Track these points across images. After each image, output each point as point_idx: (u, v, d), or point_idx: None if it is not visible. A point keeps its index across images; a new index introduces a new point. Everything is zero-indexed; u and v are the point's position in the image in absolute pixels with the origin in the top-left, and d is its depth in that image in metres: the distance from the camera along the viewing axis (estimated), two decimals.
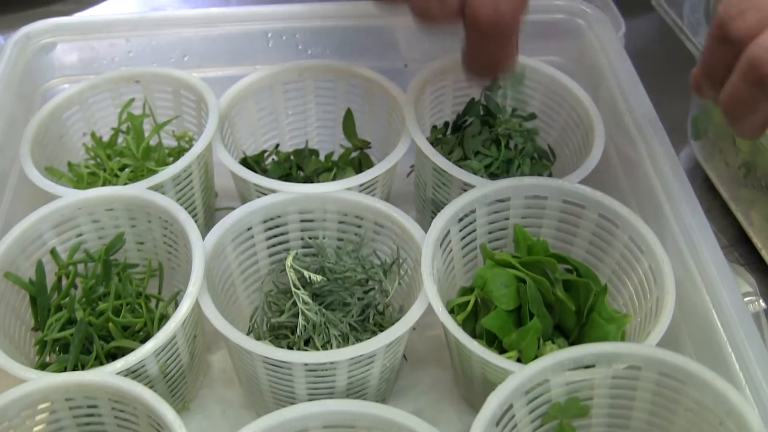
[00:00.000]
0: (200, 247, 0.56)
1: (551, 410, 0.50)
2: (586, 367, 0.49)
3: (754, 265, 0.71)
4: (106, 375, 0.50)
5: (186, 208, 0.59)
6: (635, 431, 0.52)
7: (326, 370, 0.52)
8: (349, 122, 0.71)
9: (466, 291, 0.58)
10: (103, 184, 0.67)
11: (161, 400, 0.48)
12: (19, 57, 0.70)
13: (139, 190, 0.60)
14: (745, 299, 0.58)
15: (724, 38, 0.51)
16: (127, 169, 0.66)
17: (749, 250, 0.72)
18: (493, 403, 0.47)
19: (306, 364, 0.52)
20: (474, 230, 0.60)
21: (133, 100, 0.70)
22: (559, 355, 0.49)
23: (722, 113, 0.52)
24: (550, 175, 0.71)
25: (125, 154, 0.68)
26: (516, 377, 0.48)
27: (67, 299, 0.58)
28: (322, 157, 0.72)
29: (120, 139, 0.70)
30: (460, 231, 0.59)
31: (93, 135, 0.70)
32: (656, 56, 0.88)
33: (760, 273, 0.69)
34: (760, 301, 0.63)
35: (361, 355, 0.52)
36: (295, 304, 0.59)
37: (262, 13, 0.73)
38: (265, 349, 0.52)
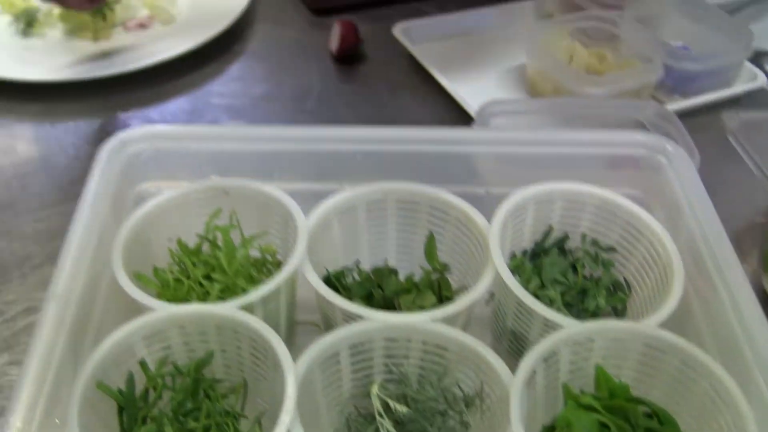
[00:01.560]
0: (292, 375, 0.58)
1: None
2: None
3: None
4: None
5: (270, 323, 0.62)
6: None
7: None
8: (431, 246, 0.74)
9: (548, 430, 0.60)
10: (188, 292, 0.69)
11: None
12: (114, 162, 0.74)
13: (230, 310, 0.63)
14: None
15: None
16: (217, 286, 0.68)
17: None
18: None
19: None
20: (558, 370, 0.62)
21: (220, 210, 0.73)
22: None
23: None
24: (624, 308, 0.73)
25: (210, 262, 0.71)
26: None
27: (156, 412, 0.61)
28: (401, 277, 0.74)
29: (205, 247, 0.73)
30: (545, 371, 0.62)
31: (179, 241, 0.73)
32: (727, 185, 0.90)
33: None
34: None
35: None
36: (377, 430, 0.61)
37: (352, 135, 0.76)
38: None
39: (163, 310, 0.63)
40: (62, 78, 1.07)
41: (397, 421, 0.61)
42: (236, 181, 0.74)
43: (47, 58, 1.12)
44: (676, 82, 1.03)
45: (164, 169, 0.77)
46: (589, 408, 0.59)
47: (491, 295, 0.72)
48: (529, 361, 0.59)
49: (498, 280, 0.67)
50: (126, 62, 1.09)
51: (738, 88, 1.04)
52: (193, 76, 1.11)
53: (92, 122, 1.03)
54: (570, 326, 0.62)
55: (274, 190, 0.72)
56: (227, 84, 1.09)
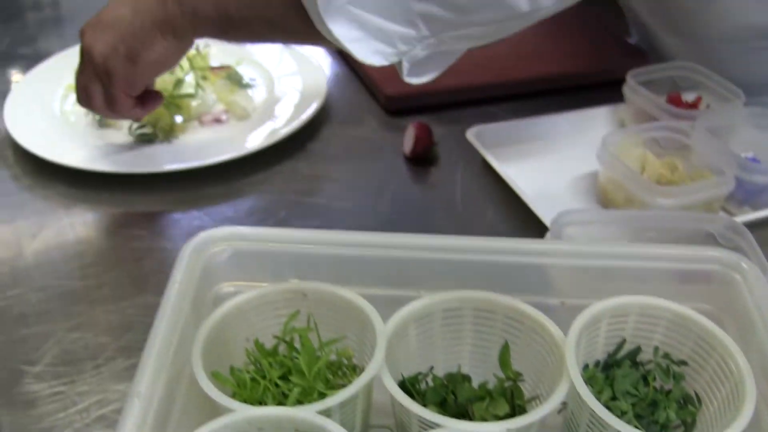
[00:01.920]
0: None
1: None
2: None
3: None
4: None
5: (346, 427, 0.63)
6: None
7: None
8: (505, 355, 0.75)
9: None
10: (264, 392, 0.71)
11: None
12: (195, 262, 0.76)
13: (309, 414, 0.64)
14: None
15: None
16: (296, 389, 0.70)
17: None
18: None
19: None
20: None
21: (298, 312, 0.75)
22: None
23: None
24: (694, 422, 0.74)
25: (286, 364, 0.73)
26: None
27: None
28: (474, 384, 0.76)
29: (282, 348, 0.75)
30: None
31: (256, 342, 0.75)
32: None
33: None
34: None
35: None
36: None
37: (430, 243, 0.78)
38: None
39: (242, 412, 0.65)
40: (137, 170, 1.11)
41: None
42: (314, 284, 0.76)
43: (122, 150, 1.16)
44: (746, 194, 1.04)
45: (244, 270, 0.79)
46: None
47: (564, 405, 0.73)
48: None
49: (572, 390, 0.69)
50: (200, 157, 1.13)
51: None
52: (267, 173, 1.14)
53: (166, 215, 1.07)
54: None
55: (352, 294, 0.74)
56: (300, 182, 1.12)
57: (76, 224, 1.05)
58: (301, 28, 0.82)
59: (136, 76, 0.98)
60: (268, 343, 0.75)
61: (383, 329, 0.71)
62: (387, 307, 0.74)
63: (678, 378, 0.75)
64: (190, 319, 0.73)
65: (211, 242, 0.78)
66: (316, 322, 0.75)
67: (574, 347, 0.70)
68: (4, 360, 0.87)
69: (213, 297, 0.79)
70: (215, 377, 0.70)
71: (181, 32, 0.95)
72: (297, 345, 0.75)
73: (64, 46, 1.38)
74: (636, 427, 0.66)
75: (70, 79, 1.23)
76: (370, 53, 0.82)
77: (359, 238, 0.78)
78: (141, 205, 1.09)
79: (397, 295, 0.76)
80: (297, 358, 0.73)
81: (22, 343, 0.89)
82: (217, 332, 0.73)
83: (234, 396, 0.69)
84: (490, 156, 1.11)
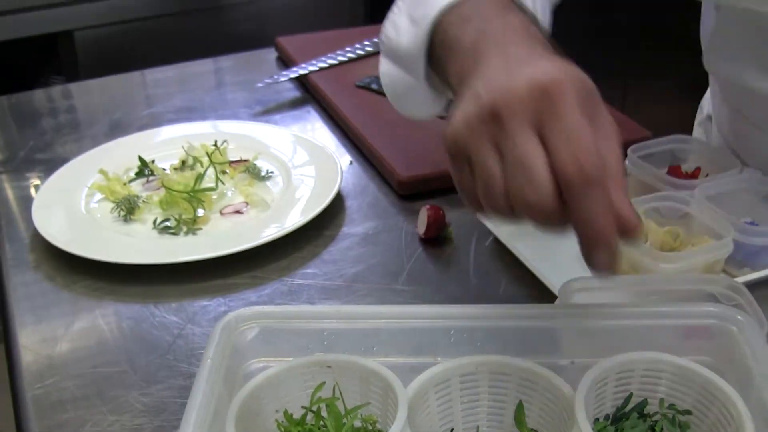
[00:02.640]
0: None
1: None
2: None
3: None
4: None
5: None
6: None
7: None
8: (520, 413, 0.81)
9: None
10: None
11: None
12: (226, 340, 0.83)
13: None
14: None
15: None
16: None
17: None
18: None
19: None
20: None
21: (324, 383, 0.82)
22: None
23: None
24: None
25: None
26: None
27: None
28: None
29: (309, 417, 0.81)
30: None
31: (285, 413, 0.81)
32: None
33: None
34: None
35: None
36: None
37: (446, 313, 0.85)
38: None
39: None
40: (163, 261, 1.18)
41: None
42: (338, 356, 0.83)
43: (148, 243, 1.24)
44: (745, 257, 1.11)
45: (271, 347, 0.86)
46: None
47: None
48: None
49: None
50: (223, 247, 1.20)
51: None
52: (288, 260, 1.21)
53: (193, 304, 1.14)
54: None
55: (374, 363, 0.81)
56: (320, 266, 1.19)
57: (108, 315, 1.12)
58: None
59: None
60: (297, 414, 0.82)
61: (404, 393, 0.78)
62: (407, 375, 0.80)
63: (684, 427, 0.81)
64: (223, 393, 0.80)
65: (240, 321, 0.85)
66: (341, 391, 0.82)
67: (583, 403, 0.77)
68: None
69: (243, 373, 0.85)
70: None
71: None
72: (323, 414, 0.81)
73: (81, 149, 1.47)
74: None
75: (93, 179, 1.32)
76: None
77: (378, 311, 0.85)
78: (168, 295, 1.16)
79: (417, 363, 0.83)
80: (324, 426, 0.80)
81: (59, 428, 0.96)
82: (248, 404, 0.79)
83: None
84: (500, 233, 1.18)
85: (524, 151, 0.72)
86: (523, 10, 0.91)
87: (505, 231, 1.18)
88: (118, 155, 1.44)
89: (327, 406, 0.81)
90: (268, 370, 0.82)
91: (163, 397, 0.99)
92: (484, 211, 0.80)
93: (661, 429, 0.81)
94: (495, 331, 0.84)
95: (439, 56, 0.92)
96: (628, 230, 0.76)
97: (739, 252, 1.10)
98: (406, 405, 0.77)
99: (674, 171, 1.28)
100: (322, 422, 0.81)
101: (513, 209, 0.76)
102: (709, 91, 1.48)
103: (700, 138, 1.49)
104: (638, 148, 1.28)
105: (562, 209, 0.73)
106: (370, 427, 0.81)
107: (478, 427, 0.84)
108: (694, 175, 1.28)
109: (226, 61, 1.94)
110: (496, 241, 1.19)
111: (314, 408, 0.81)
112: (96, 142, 1.50)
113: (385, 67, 1.06)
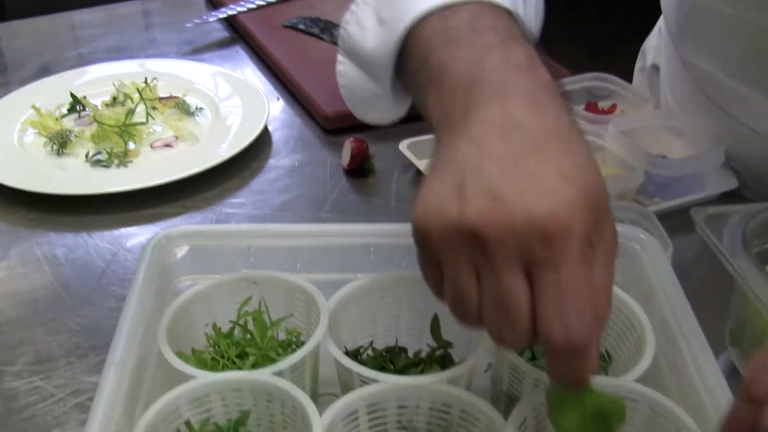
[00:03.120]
0: (319, 427, 0.70)
1: None
2: None
3: None
4: None
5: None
6: None
7: None
8: (436, 326, 0.86)
9: None
10: (222, 369, 0.81)
11: None
12: (157, 258, 0.86)
13: (264, 375, 0.75)
14: None
15: (748, 398, 0.58)
16: (251, 358, 0.80)
17: None
18: None
19: None
20: (545, 418, 0.74)
21: (250, 298, 0.86)
22: None
23: None
24: (605, 375, 0.85)
25: (242, 344, 0.83)
26: None
27: None
28: (410, 354, 0.86)
29: (237, 331, 0.85)
30: (534, 419, 0.73)
31: (214, 326, 0.85)
32: (698, 272, 1.03)
33: None
34: None
35: None
36: None
37: (367, 231, 0.89)
38: None
39: (203, 377, 0.75)
40: (95, 192, 1.21)
41: None
42: (264, 272, 0.86)
43: (81, 175, 1.26)
44: (656, 188, 1.16)
45: (200, 265, 0.89)
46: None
47: (489, 365, 0.84)
48: (520, 408, 0.71)
49: (497, 351, 0.80)
50: (154, 178, 1.22)
51: (712, 190, 1.18)
52: (216, 191, 1.24)
53: (125, 231, 1.17)
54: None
55: (298, 278, 0.85)
56: (248, 196, 1.22)
57: (42, 244, 1.14)
58: None
59: None
60: (225, 328, 0.85)
61: (326, 306, 0.81)
62: (330, 290, 0.84)
63: None
64: (155, 307, 0.83)
65: (170, 240, 0.88)
66: (266, 306, 0.85)
67: None
68: None
69: (174, 290, 0.89)
70: (179, 356, 0.80)
71: None
72: (250, 327, 0.85)
73: (10, 92, 1.48)
74: None
75: (25, 115, 1.34)
76: None
77: (301, 229, 0.89)
78: (101, 225, 1.18)
79: (339, 279, 0.86)
80: (251, 338, 0.84)
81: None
82: (179, 318, 0.83)
83: None
84: (422, 165, 1.23)
85: (508, 291, 0.61)
86: (525, 36, 0.77)
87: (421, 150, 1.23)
88: (49, 92, 1.45)
89: (253, 319, 0.85)
90: (197, 286, 0.86)
91: (97, 318, 1.02)
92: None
93: None
94: (412, 249, 0.88)
95: (414, 71, 0.77)
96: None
97: (650, 183, 1.16)
98: (327, 317, 0.81)
99: (591, 107, 1.33)
100: (248, 335, 0.84)
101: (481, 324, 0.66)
102: (656, 42, 1.51)
103: (640, 85, 1.54)
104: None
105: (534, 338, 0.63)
106: (294, 339, 0.85)
107: (397, 339, 0.88)
108: (610, 111, 1.33)
109: (154, 3, 1.95)
110: (418, 173, 1.23)
111: (241, 321, 0.85)
112: (25, 84, 1.51)
113: (344, 68, 0.92)
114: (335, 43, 1.36)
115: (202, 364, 0.82)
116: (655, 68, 1.50)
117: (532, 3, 0.89)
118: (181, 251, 0.89)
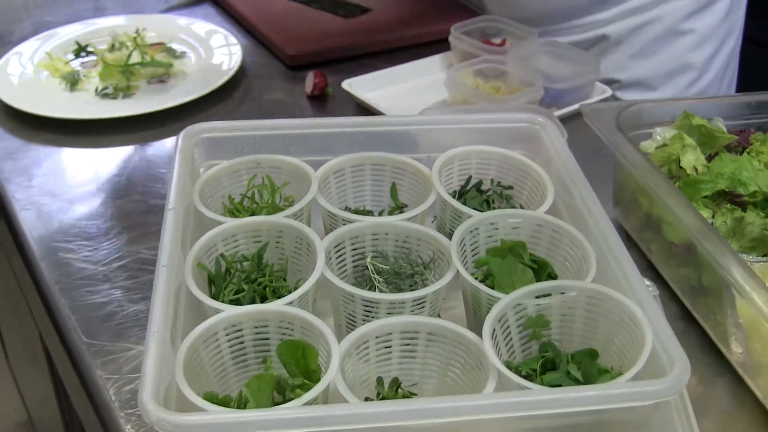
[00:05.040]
0: (322, 249, 0.96)
1: (527, 322, 0.90)
2: (546, 295, 0.90)
3: (655, 280, 1.11)
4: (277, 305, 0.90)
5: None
6: (577, 334, 0.92)
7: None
8: (394, 191, 1.12)
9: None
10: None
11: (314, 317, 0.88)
12: (186, 146, 1.10)
13: (278, 217, 1.01)
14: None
15: None
16: (264, 210, 1.06)
17: (653, 273, 1.14)
18: (494, 312, 0.87)
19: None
20: (477, 242, 1.01)
21: (255, 175, 1.11)
22: (529, 288, 0.89)
23: None
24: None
25: (251, 210, 1.08)
26: (507, 298, 0.88)
27: (235, 280, 0.98)
28: (375, 214, 1.12)
29: (246, 202, 1.10)
30: (470, 240, 1.00)
31: (229, 197, 1.10)
32: (588, 152, 1.30)
33: (658, 283, 1.10)
34: (655, 288, 1.04)
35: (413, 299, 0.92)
36: (372, 285, 0.99)
37: (341, 122, 1.14)
38: (360, 291, 0.92)
39: (232, 222, 1.00)
40: (104, 116, 1.45)
41: (382, 280, 0.99)
42: (266, 155, 1.11)
43: (93, 104, 1.50)
44: (551, 99, 1.44)
45: (216, 151, 1.13)
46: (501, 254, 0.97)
47: (434, 217, 1.10)
48: (458, 232, 0.98)
49: (439, 199, 1.06)
50: (151, 106, 1.46)
51: (594, 98, 1.47)
52: (202, 116, 1.47)
53: (130, 148, 1.41)
54: (482, 214, 1.01)
55: (292, 159, 1.10)
56: (231, 118, 1.46)
57: (61, 159, 1.39)
58: None
59: None
60: (237, 199, 1.10)
61: (315, 177, 1.07)
62: (316, 165, 1.09)
63: (508, 198, 1.13)
64: (188, 182, 1.07)
65: (196, 133, 1.12)
66: (270, 180, 1.10)
67: (437, 176, 1.07)
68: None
69: (200, 167, 1.11)
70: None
71: None
72: (257, 199, 1.10)
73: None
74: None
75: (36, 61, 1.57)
76: None
77: (293, 123, 1.13)
78: (114, 143, 1.42)
79: (322, 159, 1.11)
80: (257, 205, 1.09)
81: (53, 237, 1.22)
82: (205, 190, 1.07)
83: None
84: (363, 96, 1.49)
85: None
86: None
87: (370, 95, 1.49)
88: (53, 42, 1.68)
89: (259, 191, 1.10)
90: (217, 165, 1.10)
91: (125, 207, 1.26)
92: None
93: (492, 201, 1.12)
94: (375, 134, 1.14)
95: None
96: None
97: (546, 96, 1.43)
98: (316, 185, 1.06)
99: (487, 42, 1.61)
100: (255, 203, 1.09)
101: None
102: None
103: None
104: (458, 27, 1.60)
105: None
106: (288, 203, 1.10)
107: (365, 206, 1.14)
108: (502, 44, 1.61)
109: None
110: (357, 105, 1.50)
111: (249, 194, 1.10)
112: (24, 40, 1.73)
113: None
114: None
115: (229, 214, 1.07)
116: None
117: None
118: (205, 140, 1.12)
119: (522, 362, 0.89)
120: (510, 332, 0.90)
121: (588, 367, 0.86)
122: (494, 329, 0.86)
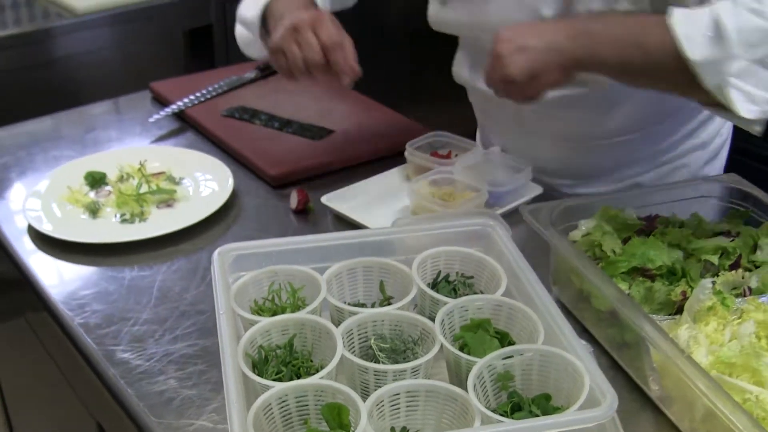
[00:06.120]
0: (339, 335, 1.31)
1: (497, 377, 1.24)
2: (509, 357, 1.25)
3: (589, 340, 1.47)
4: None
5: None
6: (534, 383, 1.26)
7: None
8: (382, 287, 1.47)
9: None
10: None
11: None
12: (221, 262, 1.44)
13: (299, 315, 1.35)
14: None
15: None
16: (288, 309, 1.40)
17: (588, 335, 1.50)
18: (474, 372, 1.22)
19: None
20: (453, 321, 1.37)
21: (273, 282, 1.45)
22: (497, 353, 1.25)
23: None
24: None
25: (273, 309, 1.42)
26: (481, 361, 1.23)
27: (273, 363, 1.31)
28: (368, 306, 1.47)
29: (267, 303, 1.44)
30: (448, 322, 1.36)
31: (254, 301, 1.43)
32: (528, 241, 1.65)
33: (591, 342, 1.46)
34: (589, 346, 1.40)
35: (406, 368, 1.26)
36: (377, 361, 1.33)
37: (335, 236, 1.49)
38: (373, 365, 1.26)
39: (266, 320, 1.34)
40: (124, 239, 1.77)
41: (384, 356, 1.33)
42: (281, 266, 1.46)
43: (113, 229, 1.81)
44: (494, 200, 1.79)
45: (242, 266, 1.47)
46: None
47: (415, 305, 1.45)
48: (438, 316, 1.33)
49: (419, 292, 1.41)
50: (162, 228, 1.79)
51: (527, 196, 1.84)
52: (209, 234, 1.80)
53: (147, 266, 1.74)
54: (455, 301, 1.37)
55: (304, 267, 1.45)
56: (235, 233, 1.80)
57: (105, 275, 1.71)
58: (687, 86, 1.36)
59: (531, 89, 1.49)
60: (260, 301, 1.44)
61: (323, 279, 1.42)
62: (322, 271, 1.44)
63: (470, 285, 1.48)
64: (226, 293, 1.41)
65: (224, 251, 1.47)
66: (286, 285, 1.44)
67: (417, 274, 1.43)
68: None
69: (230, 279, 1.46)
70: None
71: (580, 71, 1.45)
72: (276, 301, 1.44)
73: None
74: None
75: (58, 194, 1.89)
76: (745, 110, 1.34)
77: (299, 239, 1.49)
78: (130, 264, 1.74)
79: (324, 266, 1.46)
80: (278, 306, 1.43)
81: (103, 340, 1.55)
82: (237, 296, 1.41)
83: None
84: (340, 209, 1.83)
85: (310, 40, 1.64)
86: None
87: (345, 207, 1.84)
88: (67, 176, 2.00)
89: (277, 294, 1.43)
90: (242, 278, 1.44)
91: (164, 314, 1.59)
92: (294, 78, 1.72)
93: (458, 288, 1.47)
94: (363, 244, 1.49)
95: (267, 22, 1.79)
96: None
97: (490, 198, 1.80)
98: (326, 287, 1.40)
99: (435, 155, 1.96)
100: (275, 305, 1.43)
101: (306, 69, 1.68)
102: None
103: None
104: (411, 143, 1.95)
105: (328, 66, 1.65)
106: (300, 304, 1.43)
107: (358, 300, 1.48)
108: (448, 156, 1.97)
109: (103, 106, 2.47)
110: (336, 217, 1.85)
111: (270, 297, 1.44)
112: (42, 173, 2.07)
113: (239, 30, 1.91)
114: (264, 126, 2.00)
115: (257, 314, 1.40)
116: None
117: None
118: (230, 258, 1.46)
119: (496, 407, 1.24)
120: (486, 386, 1.24)
121: (545, 407, 1.21)
122: (475, 384, 1.21)
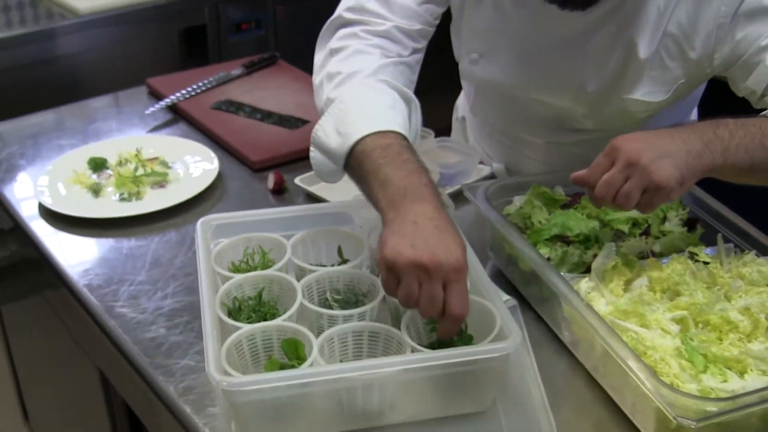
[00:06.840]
0: (299, 288, 1.59)
1: (429, 321, 1.54)
2: None
3: (516, 297, 1.75)
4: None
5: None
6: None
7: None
8: (340, 252, 1.75)
9: None
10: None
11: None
12: (203, 230, 1.72)
13: (269, 272, 1.64)
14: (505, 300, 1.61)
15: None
16: (258, 266, 1.69)
17: (517, 293, 1.78)
18: (406, 316, 1.50)
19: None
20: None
21: (248, 247, 1.72)
22: None
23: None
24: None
25: (247, 268, 1.71)
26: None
27: (245, 311, 1.60)
28: (329, 266, 1.76)
29: (242, 264, 1.72)
30: None
31: (231, 263, 1.72)
32: (468, 221, 1.94)
33: (518, 299, 1.74)
34: (514, 300, 1.68)
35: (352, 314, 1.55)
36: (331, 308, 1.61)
37: (302, 209, 1.78)
38: (326, 310, 1.54)
39: (240, 276, 1.62)
40: (122, 215, 2.05)
41: (337, 305, 1.62)
42: (254, 233, 1.73)
43: (115, 206, 2.09)
44: (446, 181, 2.05)
45: (222, 233, 1.75)
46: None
47: (368, 266, 1.73)
48: None
49: (371, 254, 1.69)
50: (155, 205, 2.06)
51: (476, 177, 2.12)
52: (196, 210, 2.07)
53: (149, 236, 2.03)
54: None
55: (275, 235, 1.72)
56: (219, 210, 2.07)
57: (104, 244, 2.00)
58: None
59: (675, 194, 1.44)
60: (237, 262, 1.72)
61: (289, 245, 1.70)
62: (288, 239, 1.73)
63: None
64: (208, 252, 1.69)
65: (208, 220, 1.75)
66: (262, 248, 1.72)
67: (366, 239, 1.71)
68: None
69: (211, 244, 1.74)
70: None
71: (710, 176, 1.45)
72: (250, 262, 1.72)
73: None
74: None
75: (65, 177, 2.17)
76: None
77: (270, 211, 1.77)
78: (128, 236, 2.01)
79: (290, 233, 1.75)
80: (251, 266, 1.70)
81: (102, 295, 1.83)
82: (217, 258, 1.69)
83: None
84: (311, 188, 2.12)
85: (435, 292, 1.35)
86: (422, 164, 1.50)
87: (315, 187, 2.12)
88: (72, 161, 2.28)
89: (251, 257, 1.71)
90: (220, 244, 1.72)
91: (156, 275, 1.88)
92: (394, 294, 1.40)
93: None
94: (325, 215, 1.77)
95: (364, 174, 1.51)
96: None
97: (442, 179, 2.06)
98: (290, 250, 1.69)
99: None
100: (249, 265, 1.71)
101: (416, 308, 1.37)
102: (462, 101, 2.35)
103: (456, 130, 2.46)
104: None
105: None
106: (270, 264, 1.71)
107: (321, 261, 1.77)
108: None
109: (103, 100, 2.72)
110: (308, 195, 2.12)
111: (245, 259, 1.71)
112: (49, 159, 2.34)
113: (315, 154, 1.62)
114: (247, 117, 2.29)
115: (236, 271, 1.67)
116: (464, 119, 2.34)
117: (415, 125, 1.68)
118: (211, 227, 1.74)
119: (427, 345, 1.52)
120: (419, 329, 1.52)
121: (467, 343, 1.50)
122: (408, 325, 1.48)
